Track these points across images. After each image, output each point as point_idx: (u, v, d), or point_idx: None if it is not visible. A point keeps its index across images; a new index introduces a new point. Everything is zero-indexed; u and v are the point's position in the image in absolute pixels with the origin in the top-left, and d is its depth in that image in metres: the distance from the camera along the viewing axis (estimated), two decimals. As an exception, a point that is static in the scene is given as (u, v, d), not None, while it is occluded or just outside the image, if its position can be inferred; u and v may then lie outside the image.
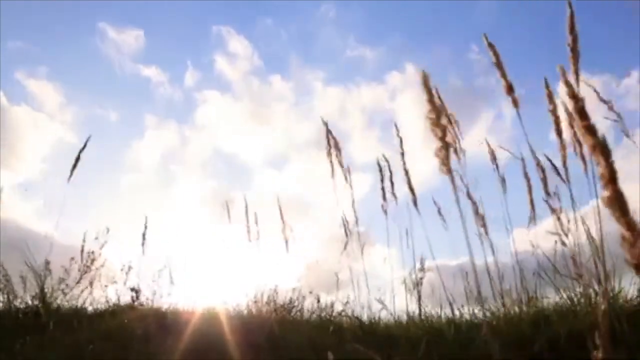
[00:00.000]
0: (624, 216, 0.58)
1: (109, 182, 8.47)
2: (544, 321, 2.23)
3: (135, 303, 3.55)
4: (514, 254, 2.78)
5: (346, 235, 3.38)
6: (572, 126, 2.37)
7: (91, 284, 3.52)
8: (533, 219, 2.80)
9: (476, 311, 2.73)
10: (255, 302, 3.70)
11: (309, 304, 3.78)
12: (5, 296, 3.21)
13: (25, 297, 3.25)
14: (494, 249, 2.62)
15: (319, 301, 3.78)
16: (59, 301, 3.33)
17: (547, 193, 2.59)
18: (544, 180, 2.61)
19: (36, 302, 3.22)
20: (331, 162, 3.09)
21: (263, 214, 3.96)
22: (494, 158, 3.02)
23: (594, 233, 2.26)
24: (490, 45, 2.15)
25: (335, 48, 11.10)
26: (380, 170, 3.18)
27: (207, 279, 4.00)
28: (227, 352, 2.67)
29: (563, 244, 2.46)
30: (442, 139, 1.09)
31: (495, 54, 2.14)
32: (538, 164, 2.62)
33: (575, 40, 2.00)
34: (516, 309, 2.54)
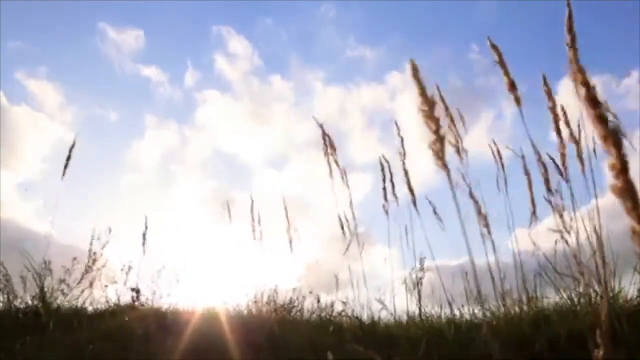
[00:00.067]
0: (636, 208, 0.56)
1: (109, 182, 8.47)
2: (544, 321, 2.23)
3: (136, 303, 3.56)
4: (515, 254, 2.78)
5: (344, 235, 3.38)
6: (568, 125, 2.37)
7: (91, 284, 3.52)
8: (534, 215, 2.79)
9: (476, 311, 2.73)
10: (255, 302, 3.70)
11: (309, 304, 3.79)
12: (5, 296, 3.21)
13: (25, 297, 3.26)
14: (495, 248, 2.61)
15: (319, 301, 3.78)
16: (59, 301, 3.33)
17: (549, 190, 2.58)
18: (546, 176, 2.60)
19: (36, 302, 3.22)
20: (328, 162, 3.08)
21: (263, 214, 3.96)
22: (500, 157, 3.02)
23: (596, 232, 2.26)
24: (494, 46, 2.16)
25: (335, 48, 11.10)
26: (382, 170, 3.18)
27: (207, 279, 4.00)
28: (227, 352, 2.67)
29: (565, 241, 2.45)
30: (436, 132, 1.07)
31: (498, 52, 2.15)
32: (539, 159, 2.60)
33: (573, 39, 2.00)
34: (516, 309, 2.55)
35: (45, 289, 3.27)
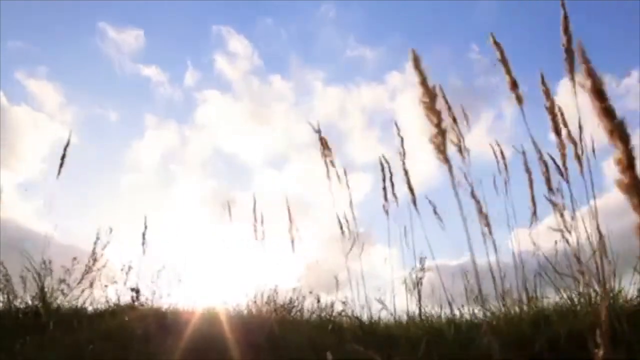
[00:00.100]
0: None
1: (109, 182, 8.47)
2: (544, 321, 2.23)
3: (135, 303, 3.55)
4: (516, 254, 2.78)
5: (343, 235, 3.38)
6: (566, 125, 2.37)
7: (91, 284, 3.52)
8: (534, 214, 2.79)
9: (476, 311, 2.73)
10: (255, 302, 3.70)
11: (309, 304, 3.79)
12: (5, 296, 3.21)
13: (25, 297, 3.26)
14: (496, 248, 2.61)
15: (319, 301, 3.78)
16: (59, 301, 3.33)
17: (550, 189, 2.57)
18: (547, 175, 2.59)
19: (36, 302, 3.22)
20: (325, 164, 3.08)
21: (263, 214, 3.95)
22: (503, 157, 3.02)
23: (594, 232, 2.26)
24: (496, 43, 2.15)
25: (335, 48, 11.10)
26: (382, 170, 3.18)
27: (207, 279, 4.00)
28: (227, 352, 2.67)
29: (566, 241, 2.45)
30: (438, 125, 1.05)
31: (500, 50, 2.14)
32: (541, 157, 2.60)
33: (569, 40, 2.00)
34: (516, 308, 2.54)
35: (45, 289, 3.27)
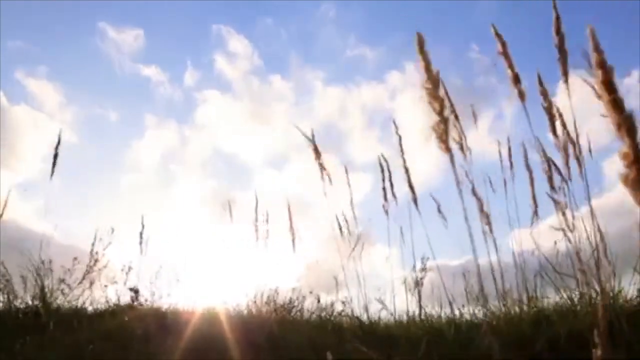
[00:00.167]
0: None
1: (109, 182, 8.46)
2: (544, 321, 2.23)
3: (135, 303, 3.55)
4: (516, 254, 2.77)
5: (342, 235, 3.38)
6: (565, 126, 2.36)
7: (91, 284, 3.52)
8: (535, 214, 2.78)
9: (476, 311, 2.73)
10: (255, 302, 3.70)
11: (309, 304, 3.79)
12: (5, 296, 3.21)
13: (25, 297, 3.26)
14: (497, 247, 2.61)
15: (319, 301, 3.78)
16: (59, 301, 3.33)
17: (552, 187, 2.55)
18: (549, 174, 2.58)
19: (36, 302, 3.22)
20: (319, 166, 3.06)
21: (263, 214, 3.95)
22: (509, 155, 3.01)
23: (594, 232, 2.25)
24: (498, 35, 2.12)
25: (335, 48, 11.09)
26: (382, 171, 3.17)
27: (207, 279, 4.00)
28: (227, 352, 2.67)
29: (567, 239, 2.44)
30: (440, 113, 1.04)
31: (502, 42, 2.11)
32: (543, 155, 2.58)
33: (562, 41, 1.99)
34: (516, 308, 2.54)
35: (46, 289, 3.27)
